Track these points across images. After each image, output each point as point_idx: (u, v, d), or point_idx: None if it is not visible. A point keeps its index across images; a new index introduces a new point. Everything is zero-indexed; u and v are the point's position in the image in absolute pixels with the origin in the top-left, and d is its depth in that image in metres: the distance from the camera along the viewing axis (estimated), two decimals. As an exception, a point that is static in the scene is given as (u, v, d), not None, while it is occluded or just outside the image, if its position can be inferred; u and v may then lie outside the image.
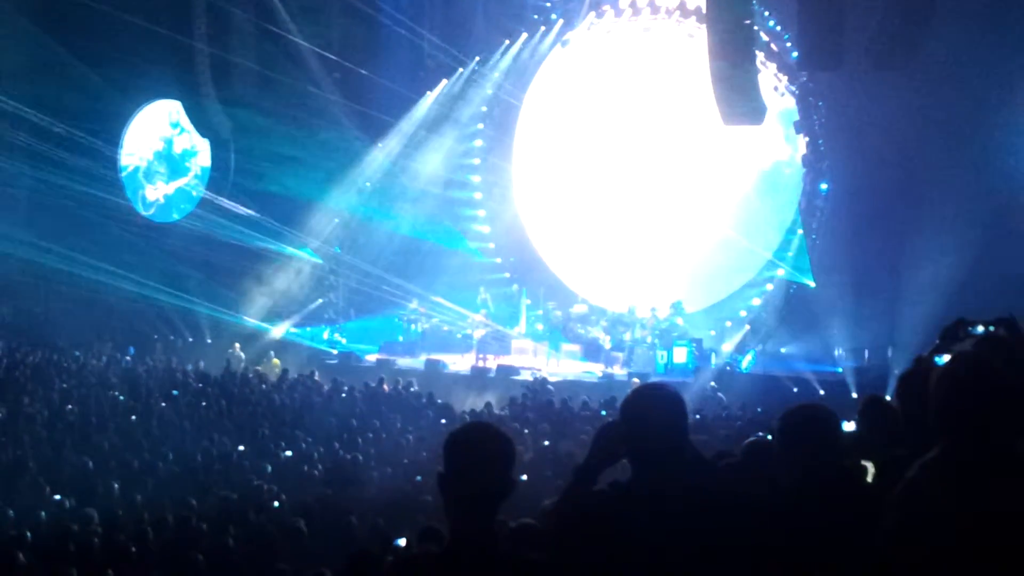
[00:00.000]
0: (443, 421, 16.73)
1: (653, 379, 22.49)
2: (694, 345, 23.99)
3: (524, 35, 27.86)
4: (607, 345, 24.79)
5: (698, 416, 16.30)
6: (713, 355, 23.93)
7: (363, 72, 26.01)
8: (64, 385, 19.64)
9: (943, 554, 3.07)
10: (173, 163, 31.55)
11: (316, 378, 21.73)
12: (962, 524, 3.06)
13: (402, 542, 7.79)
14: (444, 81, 28.02)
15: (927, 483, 3.19)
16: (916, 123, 20.59)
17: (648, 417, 3.55)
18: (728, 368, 22.91)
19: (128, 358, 24.55)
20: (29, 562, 8.30)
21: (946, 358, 4.67)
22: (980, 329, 4.62)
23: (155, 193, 31.66)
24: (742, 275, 25.64)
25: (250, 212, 27.21)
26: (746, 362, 24.05)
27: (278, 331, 28.04)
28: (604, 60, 27.46)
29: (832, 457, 3.90)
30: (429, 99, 28.02)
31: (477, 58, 27.88)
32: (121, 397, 18.95)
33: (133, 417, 16.88)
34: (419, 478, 11.86)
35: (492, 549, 3.16)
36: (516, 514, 5.96)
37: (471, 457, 3.18)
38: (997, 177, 21.57)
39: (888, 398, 6.04)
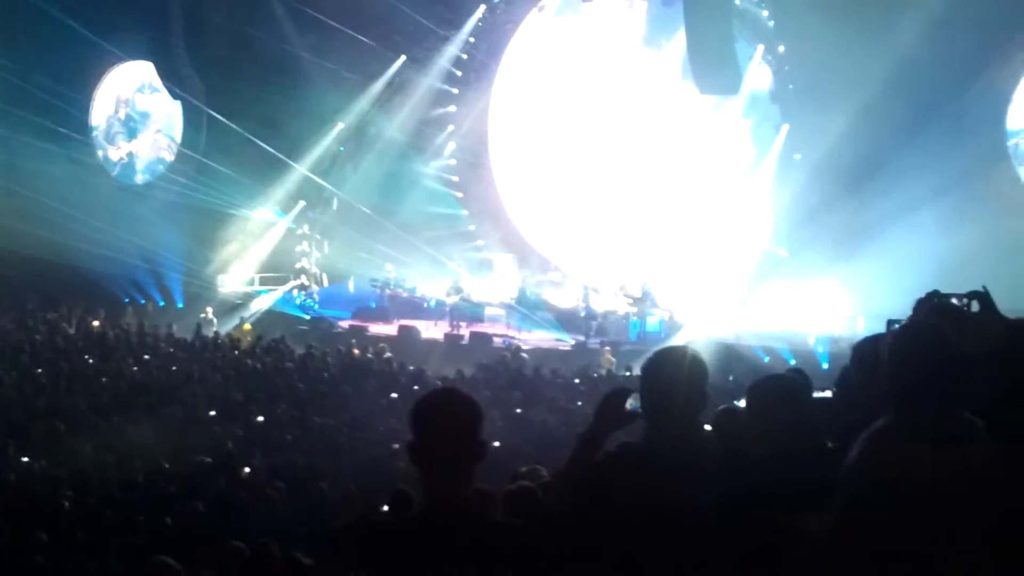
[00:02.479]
0: (416, 388, 16.71)
1: (626, 347, 22.63)
2: (666, 315, 24.05)
3: None
4: (584, 313, 24.82)
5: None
6: (684, 325, 23.99)
7: (338, 35, 25.77)
8: (33, 348, 19.47)
9: (892, 522, 3.08)
10: (144, 125, 31.22)
11: (288, 344, 21.63)
12: (910, 491, 3.07)
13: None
14: (419, 44, 27.78)
15: (876, 451, 3.20)
16: (889, 91, 20.59)
17: (672, 376, 3.58)
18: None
19: (98, 322, 24.35)
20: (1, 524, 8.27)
21: None
22: (954, 302, 4.62)
23: (120, 153, 31.34)
24: (715, 245, 25.65)
25: (223, 173, 26.95)
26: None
27: (251, 297, 27.93)
28: (580, 25, 27.34)
29: (803, 427, 3.92)
30: (403, 63, 27.80)
31: (452, 30, 27.70)
32: (91, 360, 18.83)
33: (104, 380, 16.79)
34: (395, 445, 11.85)
35: (464, 514, 3.16)
36: (490, 482, 5.96)
37: (437, 422, 3.16)
38: (971, 147, 21.69)
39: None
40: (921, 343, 3.35)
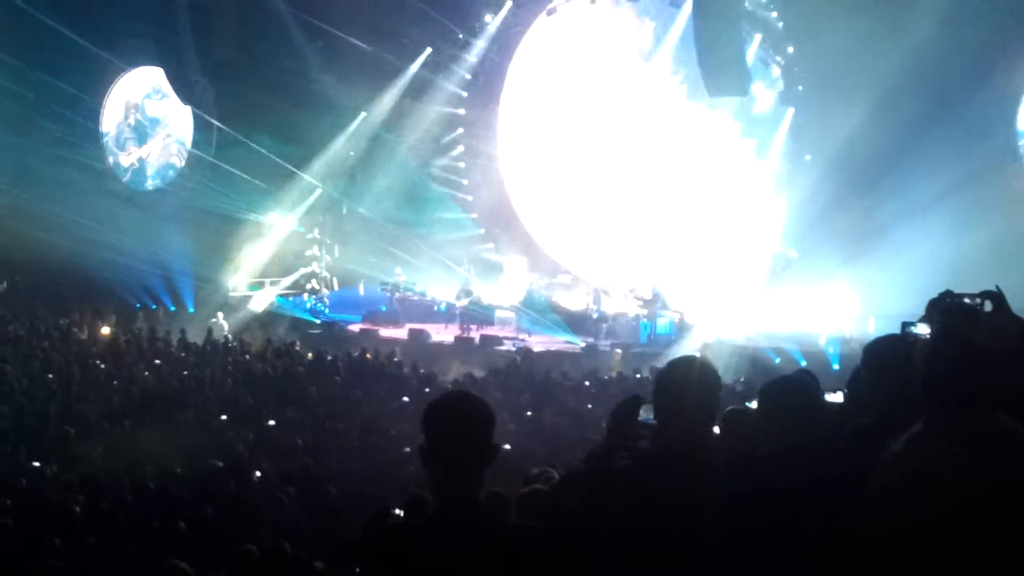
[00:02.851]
0: (427, 391, 16.71)
1: (636, 349, 22.61)
2: (676, 317, 24.03)
3: (509, 3, 27.69)
4: (594, 315, 24.80)
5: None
6: (695, 327, 23.96)
7: (347, 40, 25.81)
8: (44, 354, 19.52)
9: (928, 525, 3.07)
10: (154, 130, 31.29)
11: (298, 347, 21.66)
12: (947, 494, 3.06)
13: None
14: (428, 49, 27.83)
15: (911, 456, 3.20)
16: (899, 92, 20.56)
17: (684, 386, 3.59)
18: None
19: (109, 327, 24.41)
20: (11, 529, 8.28)
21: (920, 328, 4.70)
22: (967, 302, 4.62)
23: (130, 159, 31.42)
24: (726, 247, 25.61)
25: (233, 178, 27.01)
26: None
27: (261, 301, 27.96)
28: (590, 29, 27.34)
29: (813, 427, 3.91)
30: (413, 67, 27.84)
31: (460, 32, 27.71)
32: (103, 366, 18.87)
33: (115, 385, 16.83)
34: (407, 449, 11.85)
35: (477, 517, 3.16)
36: (501, 484, 5.97)
37: (449, 426, 3.17)
38: (981, 148, 21.64)
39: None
40: (955, 347, 3.35)
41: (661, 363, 3.83)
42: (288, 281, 28.82)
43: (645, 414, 3.79)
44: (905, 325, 4.63)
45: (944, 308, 4.59)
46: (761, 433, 4.05)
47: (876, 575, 3.21)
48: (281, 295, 28.55)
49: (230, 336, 23.67)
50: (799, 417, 3.91)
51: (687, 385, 3.58)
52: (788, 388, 4.10)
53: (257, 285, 28.62)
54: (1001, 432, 3.16)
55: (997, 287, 4.68)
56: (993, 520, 3.01)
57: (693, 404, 3.54)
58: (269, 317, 27.10)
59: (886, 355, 4.22)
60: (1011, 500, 3.02)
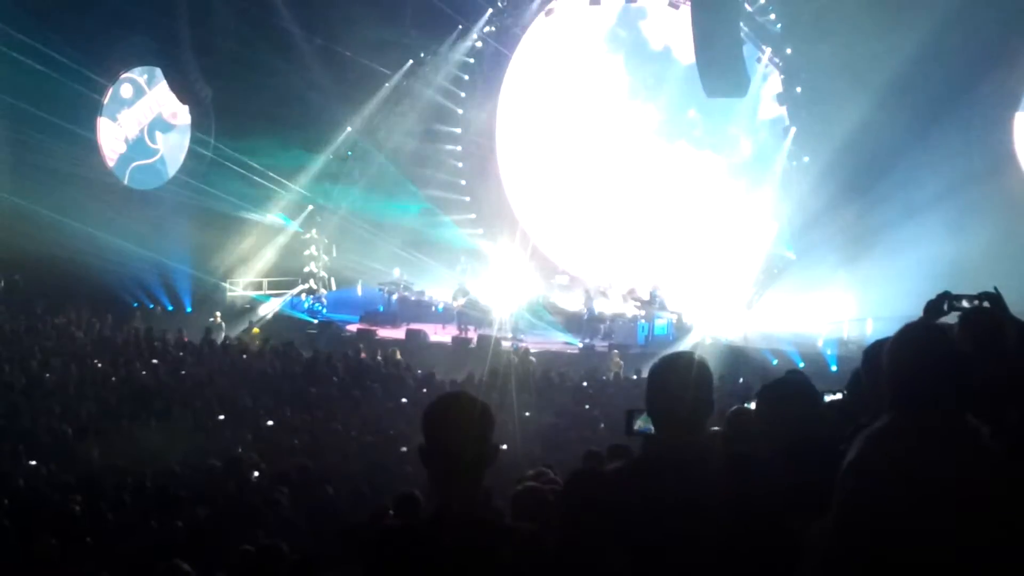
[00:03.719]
0: (424, 391, 16.72)
1: (634, 350, 22.62)
2: (674, 318, 24.04)
3: (507, 2, 27.72)
4: (585, 316, 24.82)
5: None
6: (693, 328, 23.98)
7: (345, 40, 25.81)
8: (42, 353, 19.51)
9: (891, 524, 3.06)
10: (152, 130, 31.27)
11: (296, 348, 21.66)
12: (909, 493, 3.04)
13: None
14: (426, 49, 27.83)
15: (874, 452, 3.18)
16: (897, 93, 20.59)
17: (677, 383, 3.54)
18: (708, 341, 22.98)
19: (107, 327, 24.38)
20: (8, 529, 8.27)
21: None
22: (965, 304, 4.61)
23: (130, 159, 31.40)
24: (723, 248, 25.63)
25: (231, 177, 27.01)
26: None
27: (257, 301, 27.96)
28: (587, 30, 27.37)
29: (813, 428, 3.92)
30: (411, 68, 27.85)
31: (460, 26, 27.71)
32: (100, 365, 18.86)
33: (113, 384, 16.82)
34: (403, 449, 11.87)
35: (476, 517, 3.16)
36: (499, 485, 5.97)
37: (449, 426, 3.16)
38: (978, 149, 21.67)
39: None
40: (921, 343, 3.32)
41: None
42: (286, 281, 28.80)
43: (644, 424, 3.77)
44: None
45: (963, 313, 4.59)
46: (762, 435, 4.05)
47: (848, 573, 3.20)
48: (279, 295, 28.53)
49: (228, 336, 23.65)
50: (799, 418, 3.91)
51: (681, 386, 3.52)
52: (788, 389, 4.09)
53: (255, 285, 28.60)
54: (963, 432, 3.15)
55: (995, 288, 4.68)
56: (956, 520, 3.00)
57: (689, 404, 3.49)
58: (267, 317, 27.10)
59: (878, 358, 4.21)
60: (969, 501, 3.01)
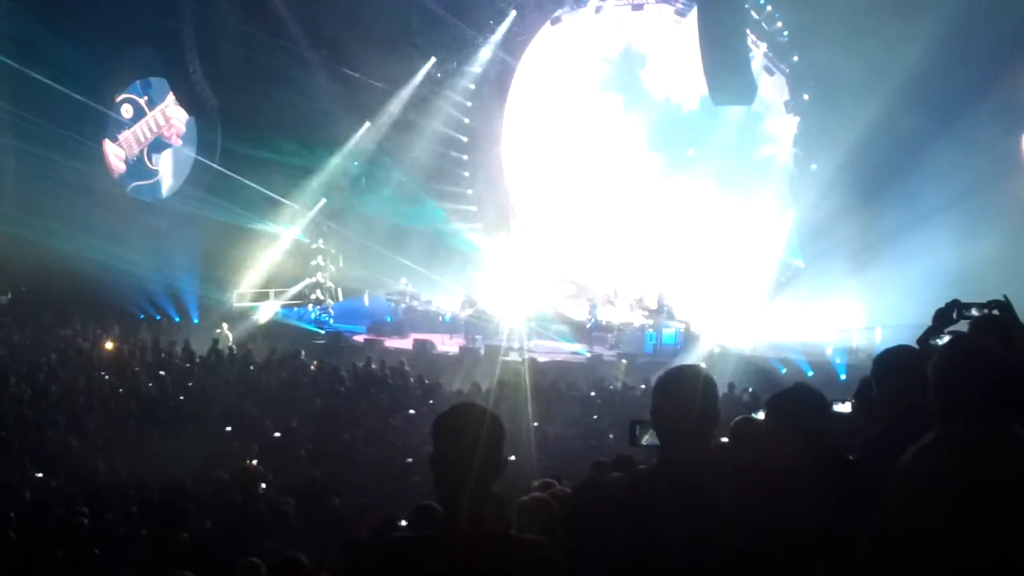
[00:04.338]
0: (431, 402, 16.70)
1: (642, 359, 22.57)
2: (682, 327, 24.00)
3: (513, 12, 27.75)
4: (588, 325, 24.83)
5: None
6: (701, 337, 23.93)
7: (351, 50, 25.85)
8: (48, 365, 19.51)
9: (939, 535, 3.04)
10: (158, 141, 31.35)
11: (303, 358, 21.65)
12: (960, 506, 3.03)
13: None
14: (432, 60, 27.88)
15: (924, 466, 3.16)
16: (905, 101, 20.55)
17: (674, 397, 3.55)
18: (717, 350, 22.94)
19: (113, 338, 24.40)
20: (16, 541, 8.25)
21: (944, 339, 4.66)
22: (975, 312, 4.60)
23: (136, 170, 31.49)
24: (731, 257, 25.60)
25: (237, 188, 27.05)
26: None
27: (264, 312, 27.96)
28: (594, 38, 27.39)
29: (822, 438, 3.89)
30: (417, 77, 27.90)
31: (467, 35, 27.76)
32: (107, 377, 18.86)
33: (119, 396, 16.81)
34: (409, 460, 11.83)
35: (484, 529, 3.14)
36: (507, 496, 5.94)
37: (458, 438, 3.14)
38: (986, 156, 21.60)
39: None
40: (970, 357, 3.32)
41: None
42: (293, 291, 28.81)
43: (652, 439, 3.75)
44: (925, 339, 4.60)
45: (974, 321, 4.58)
46: (770, 444, 4.02)
47: None
48: (286, 305, 28.55)
49: (235, 347, 23.66)
50: (808, 428, 3.88)
51: (692, 396, 3.53)
52: (797, 399, 4.07)
53: (262, 296, 28.61)
54: (1014, 444, 3.12)
55: (1005, 296, 4.66)
56: (1005, 533, 2.97)
57: (694, 418, 3.50)
58: (274, 328, 27.10)
59: (897, 366, 4.18)
60: (1017, 516, 2.98)
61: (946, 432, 3.21)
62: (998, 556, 2.99)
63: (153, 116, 30.90)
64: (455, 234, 28.52)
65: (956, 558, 3.02)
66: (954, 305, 4.75)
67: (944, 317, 4.73)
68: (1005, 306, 4.64)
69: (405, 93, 27.89)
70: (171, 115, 30.62)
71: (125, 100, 31.11)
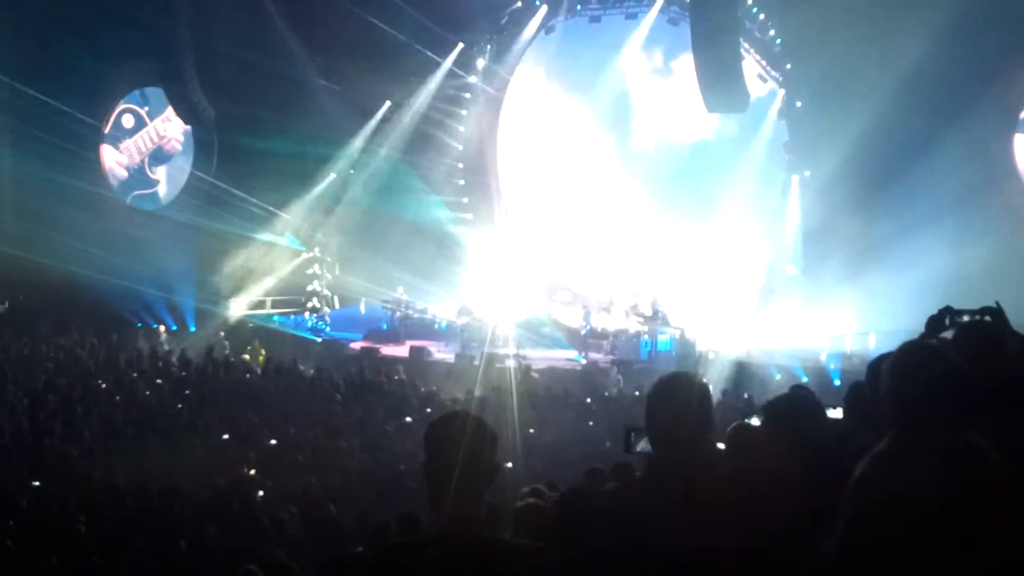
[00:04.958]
0: (428, 410, 16.71)
1: (637, 366, 22.59)
2: (677, 333, 24.03)
3: (507, 21, 27.82)
4: (583, 332, 24.87)
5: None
6: (696, 343, 23.96)
7: (348, 60, 25.91)
8: (46, 373, 19.50)
9: (897, 543, 3.05)
10: (155, 151, 31.34)
11: (300, 366, 21.65)
12: (914, 512, 3.04)
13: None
14: (429, 68, 27.91)
15: (879, 472, 3.17)
16: (898, 108, 20.64)
17: (668, 405, 3.56)
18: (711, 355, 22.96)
19: (110, 347, 24.38)
20: (13, 549, 8.27)
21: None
22: (967, 319, 4.61)
23: (133, 179, 31.48)
24: (726, 263, 25.65)
25: (234, 197, 27.06)
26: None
27: (261, 320, 27.94)
28: (588, 46, 27.45)
29: (818, 444, 3.91)
30: (413, 86, 27.93)
31: (461, 45, 27.82)
32: (104, 385, 18.85)
33: (117, 398, 16.82)
34: (402, 467, 11.86)
35: (478, 536, 3.16)
36: (502, 502, 5.97)
37: (451, 445, 3.17)
38: (980, 162, 21.69)
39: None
40: (922, 361, 3.31)
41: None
42: (289, 299, 28.81)
43: (647, 446, 3.76)
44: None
45: (960, 327, 4.59)
46: (766, 450, 4.05)
47: None
48: (282, 313, 28.54)
49: (231, 355, 23.64)
50: (804, 434, 3.91)
51: (687, 403, 3.54)
52: (793, 405, 4.09)
53: (258, 304, 28.60)
54: (964, 453, 3.13)
55: (996, 303, 4.68)
56: (961, 541, 2.99)
57: (688, 425, 3.50)
58: (270, 335, 27.08)
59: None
60: (978, 521, 3.00)
61: (898, 439, 3.21)
62: (951, 566, 3.01)
63: (154, 126, 30.86)
64: (451, 241, 28.53)
65: (914, 567, 3.04)
66: (946, 312, 4.76)
67: (936, 324, 4.74)
68: (997, 312, 4.66)
69: (401, 102, 27.92)
70: (170, 125, 30.60)
71: (126, 110, 31.10)
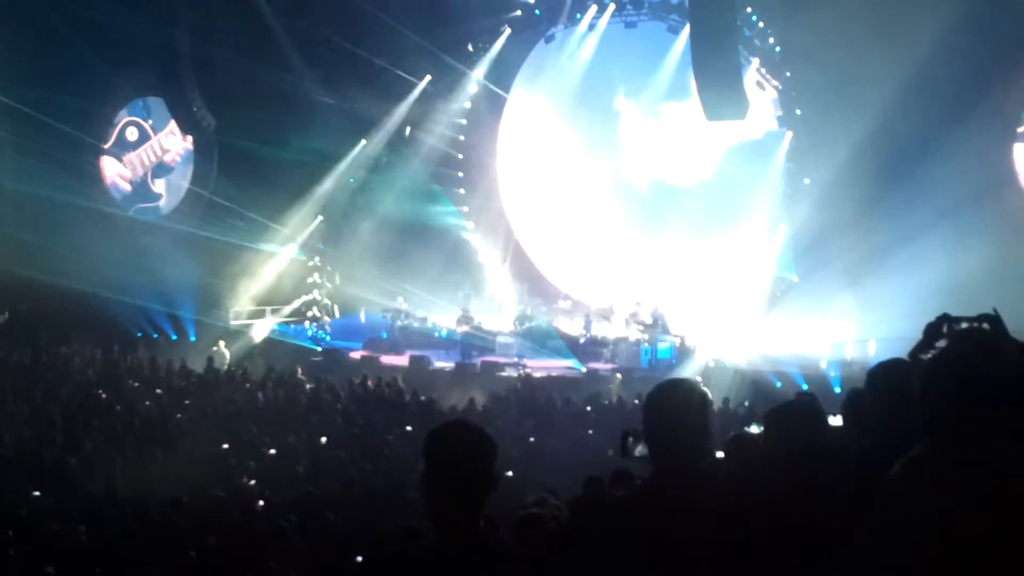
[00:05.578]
0: (428, 419, 16.68)
1: (637, 374, 22.58)
2: (677, 341, 24.02)
3: (507, 30, 27.85)
4: (582, 340, 24.87)
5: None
6: (696, 351, 23.95)
7: (347, 69, 25.94)
8: (46, 383, 19.50)
9: (929, 552, 3.05)
10: (156, 160, 31.37)
11: (300, 375, 21.63)
12: (944, 522, 3.03)
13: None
14: (428, 77, 27.96)
15: (908, 482, 3.17)
16: (897, 115, 20.65)
17: (667, 412, 3.54)
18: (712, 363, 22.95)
19: (111, 357, 24.37)
20: (14, 559, 8.26)
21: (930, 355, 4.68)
22: (964, 326, 4.61)
23: (133, 189, 31.52)
24: (726, 271, 25.64)
25: (234, 206, 27.09)
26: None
27: (261, 329, 27.92)
28: (587, 55, 27.48)
29: (819, 452, 3.91)
30: (413, 95, 27.97)
31: (467, 46, 27.88)
32: (104, 395, 18.84)
33: (117, 408, 16.82)
34: (402, 476, 11.84)
35: (478, 546, 3.15)
36: (502, 511, 5.96)
37: (450, 454, 3.14)
38: (979, 169, 21.69)
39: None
40: (953, 371, 3.28)
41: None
42: (289, 309, 28.80)
43: (642, 450, 3.74)
44: (915, 353, 4.63)
45: (955, 334, 4.58)
46: (767, 458, 4.04)
47: None
48: (282, 323, 28.53)
49: (232, 365, 23.64)
50: (805, 442, 3.89)
51: (685, 410, 3.51)
52: (794, 413, 4.08)
53: (259, 313, 28.59)
54: (998, 457, 3.14)
55: (994, 310, 4.68)
56: (991, 547, 2.99)
57: (686, 432, 3.47)
58: (271, 345, 27.07)
59: (891, 379, 4.20)
60: (1008, 527, 3.00)
61: (930, 447, 3.20)
62: (987, 571, 3.00)
63: (157, 139, 30.92)
64: (451, 250, 28.53)
65: (947, 573, 3.03)
66: (944, 319, 4.75)
67: (934, 331, 4.73)
68: (995, 320, 4.65)
69: (401, 111, 27.96)
70: (173, 139, 30.64)
71: (129, 123, 31.15)
